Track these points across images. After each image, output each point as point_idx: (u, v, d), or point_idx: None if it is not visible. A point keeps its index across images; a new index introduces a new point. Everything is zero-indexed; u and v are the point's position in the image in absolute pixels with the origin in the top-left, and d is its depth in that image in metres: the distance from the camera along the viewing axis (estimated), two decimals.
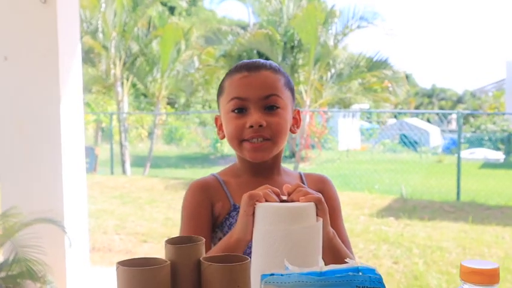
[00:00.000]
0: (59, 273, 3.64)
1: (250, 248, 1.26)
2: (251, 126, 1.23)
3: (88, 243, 4.21)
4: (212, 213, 1.29)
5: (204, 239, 0.80)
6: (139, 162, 14.35)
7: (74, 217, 3.85)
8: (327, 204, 1.06)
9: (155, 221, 7.23)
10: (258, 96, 1.25)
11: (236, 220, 1.22)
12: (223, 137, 1.33)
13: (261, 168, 1.30)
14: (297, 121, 1.36)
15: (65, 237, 3.56)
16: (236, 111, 1.26)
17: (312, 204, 1.03)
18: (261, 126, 1.23)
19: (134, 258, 0.77)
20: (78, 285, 3.87)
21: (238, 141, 1.27)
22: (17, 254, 3.03)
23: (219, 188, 1.31)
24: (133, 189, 10.13)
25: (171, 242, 0.80)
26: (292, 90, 1.34)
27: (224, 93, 1.30)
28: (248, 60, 1.34)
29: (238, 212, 1.22)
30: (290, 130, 1.33)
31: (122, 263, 0.75)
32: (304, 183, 1.33)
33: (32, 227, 3.25)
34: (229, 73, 1.32)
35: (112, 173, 13.02)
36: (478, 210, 7.89)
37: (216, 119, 1.37)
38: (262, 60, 1.33)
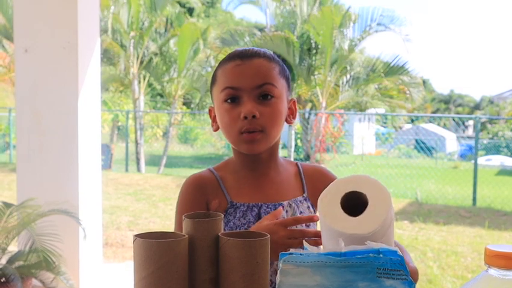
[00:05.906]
0: (73, 265, 3.65)
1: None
2: (245, 118, 1.18)
3: (102, 237, 4.21)
4: (207, 210, 1.25)
5: (222, 215, 0.79)
6: (154, 161, 14.40)
7: (89, 211, 3.86)
8: None
9: (168, 218, 7.23)
10: (251, 85, 1.20)
11: (234, 217, 1.23)
12: (217, 128, 1.28)
13: (256, 162, 1.26)
14: (292, 111, 1.30)
15: (80, 230, 3.57)
16: (229, 101, 1.21)
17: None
18: (254, 116, 1.18)
19: (151, 232, 0.75)
20: (91, 277, 3.88)
21: (235, 134, 1.21)
22: (33, 242, 3.04)
23: (215, 185, 1.26)
24: (147, 186, 10.17)
25: (189, 217, 0.78)
26: (287, 79, 1.28)
27: (217, 83, 1.25)
28: (241, 48, 1.28)
29: (235, 208, 1.23)
30: (286, 121, 1.27)
31: (140, 236, 0.73)
32: (301, 174, 1.32)
33: (48, 218, 3.26)
34: (222, 62, 1.26)
35: (126, 170, 13.08)
36: (494, 216, 7.78)
37: (210, 111, 1.31)
38: (256, 48, 1.27)
